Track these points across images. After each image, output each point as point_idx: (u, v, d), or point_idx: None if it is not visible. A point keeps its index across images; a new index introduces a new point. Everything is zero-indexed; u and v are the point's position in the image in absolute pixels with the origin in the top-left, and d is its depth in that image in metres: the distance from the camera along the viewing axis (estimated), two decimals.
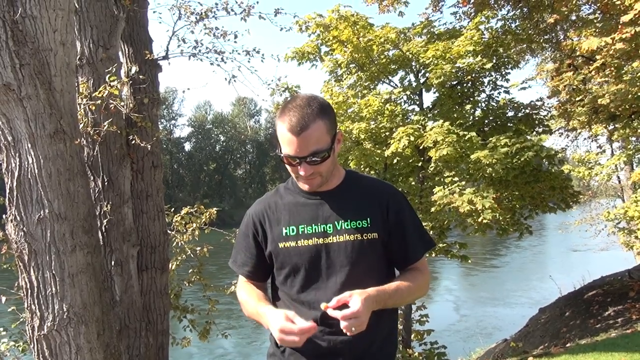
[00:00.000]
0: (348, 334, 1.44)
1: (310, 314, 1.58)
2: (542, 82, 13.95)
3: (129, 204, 3.91)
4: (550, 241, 32.10)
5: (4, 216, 2.87)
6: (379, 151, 8.59)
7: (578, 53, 8.52)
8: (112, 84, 3.41)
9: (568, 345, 6.64)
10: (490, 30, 8.97)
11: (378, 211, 1.65)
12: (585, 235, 16.83)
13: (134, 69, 4.10)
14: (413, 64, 9.22)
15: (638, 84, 6.93)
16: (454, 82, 9.07)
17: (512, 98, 9.22)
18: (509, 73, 9.17)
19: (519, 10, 9.64)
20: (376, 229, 1.63)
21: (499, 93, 9.22)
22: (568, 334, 7.65)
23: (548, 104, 10.52)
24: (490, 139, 7.79)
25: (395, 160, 8.48)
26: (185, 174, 62.72)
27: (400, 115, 9.04)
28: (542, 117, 9.16)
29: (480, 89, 9.27)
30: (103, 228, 3.73)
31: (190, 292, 6.28)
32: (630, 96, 7.02)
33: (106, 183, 3.77)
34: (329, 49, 9.51)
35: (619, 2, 6.78)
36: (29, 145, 2.70)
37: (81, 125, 3.55)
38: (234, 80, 4.80)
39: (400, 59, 9.15)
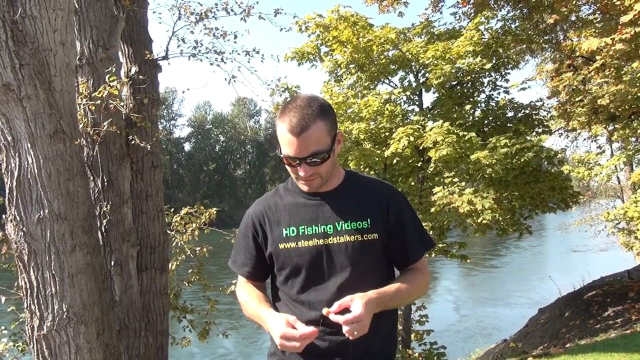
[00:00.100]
0: (350, 338, 1.44)
1: (311, 314, 1.58)
2: (542, 83, 13.97)
3: (129, 204, 3.91)
4: (550, 242, 32.11)
5: (3, 216, 2.87)
6: (378, 151, 8.59)
7: (578, 53, 8.52)
8: (111, 84, 3.41)
9: (567, 345, 6.64)
10: (490, 30, 8.97)
11: (378, 211, 1.65)
12: (585, 236, 16.83)
13: (134, 69, 4.11)
14: (413, 64, 9.22)
15: (638, 84, 6.93)
16: (454, 83, 9.07)
17: (512, 98, 9.25)
18: (509, 73, 9.19)
19: (519, 11, 9.65)
20: (376, 230, 1.63)
21: (498, 93, 9.24)
22: (567, 335, 7.65)
23: (548, 104, 10.53)
24: (490, 139, 7.79)
25: (395, 161, 8.48)
26: (184, 174, 62.71)
27: (400, 116, 9.04)
28: (541, 117, 9.17)
29: (480, 90, 9.28)
30: (103, 228, 3.73)
31: (190, 292, 6.29)
32: (629, 97, 7.03)
33: (106, 183, 3.77)
34: (329, 49, 9.51)
35: (618, 3, 6.79)
36: (29, 145, 2.70)
37: (81, 126, 3.55)
38: (234, 81, 4.81)
39: (400, 59, 9.15)
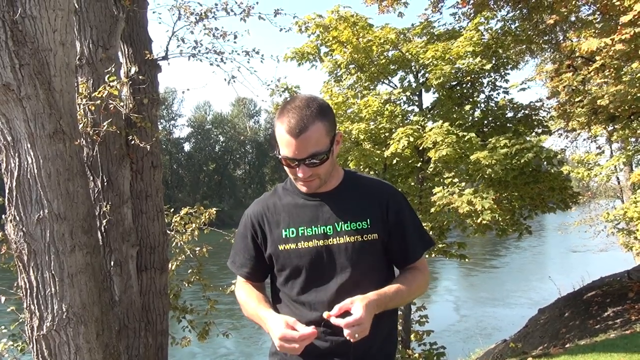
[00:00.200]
0: (352, 340, 1.44)
1: (312, 315, 1.58)
2: (542, 83, 13.97)
3: (129, 204, 3.91)
4: (550, 242, 32.11)
5: (3, 216, 2.87)
6: (378, 152, 8.59)
7: (577, 54, 8.52)
8: (111, 84, 3.41)
9: (567, 345, 6.64)
10: (489, 31, 8.97)
11: (378, 212, 1.65)
12: (585, 236, 16.83)
13: (134, 69, 4.11)
14: (412, 64, 9.22)
15: (637, 84, 6.93)
16: (454, 83, 9.07)
17: (512, 99, 9.25)
18: (508, 74, 9.19)
19: (519, 11, 9.65)
20: (376, 230, 1.63)
21: (498, 94, 9.23)
22: (567, 335, 7.65)
23: (547, 104, 10.53)
24: (490, 139, 7.79)
25: (394, 161, 8.48)
26: (184, 175, 62.73)
27: (400, 116, 9.04)
28: (541, 118, 9.16)
29: (480, 90, 9.28)
30: (102, 228, 3.73)
31: (190, 292, 6.29)
32: (629, 97, 7.03)
33: (105, 183, 3.77)
34: (329, 50, 9.51)
35: (618, 3, 6.80)
36: (29, 146, 2.70)
37: (81, 126, 3.55)
38: (234, 81, 4.81)
39: (400, 59, 9.15)
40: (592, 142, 12.98)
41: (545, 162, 8.08)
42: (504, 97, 9.20)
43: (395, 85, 9.67)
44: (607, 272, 11.30)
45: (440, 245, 8.78)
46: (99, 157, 3.75)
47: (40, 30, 2.72)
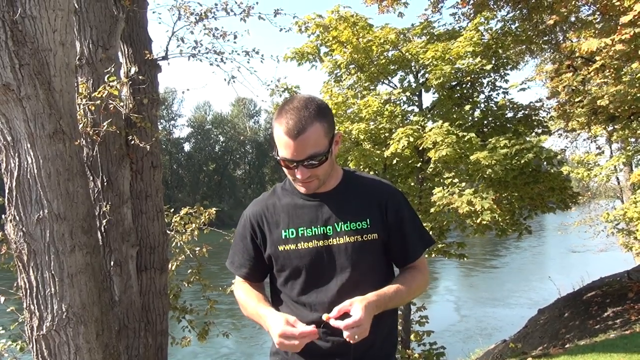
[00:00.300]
0: (351, 342, 1.44)
1: (312, 316, 1.58)
2: (542, 83, 13.97)
3: (128, 204, 3.91)
4: (550, 242, 32.11)
5: (3, 216, 2.87)
6: (378, 152, 8.59)
7: (577, 54, 8.51)
8: (111, 84, 3.41)
9: (567, 346, 6.65)
10: (489, 31, 8.97)
11: (377, 211, 1.64)
12: (585, 236, 16.83)
13: (134, 69, 4.11)
14: (412, 64, 9.22)
15: (637, 85, 6.94)
16: (454, 83, 9.07)
17: (512, 99, 9.25)
18: (508, 74, 9.19)
19: (518, 12, 9.65)
20: (376, 230, 1.63)
21: (497, 94, 9.24)
22: (567, 335, 7.66)
23: (547, 105, 10.53)
24: (490, 140, 7.79)
25: (394, 161, 8.48)
26: (184, 175, 62.73)
27: (400, 116, 9.04)
28: (541, 118, 9.17)
29: (480, 90, 9.28)
30: (102, 228, 3.73)
31: (191, 292, 6.29)
32: (629, 97, 7.03)
33: (105, 183, 3.77)
34: (329, 50, 9.51)
35: (618, 3, 6.80)
36: (28, 146, 2.70)
37: (80, 126, 3.56)
38: (234, 81, 4.82)
39: (400, 59, 9.15)
40: (592, 142, 12.98)
41: (545, 163, 8.08)
42: (504, 97, 9.21)
43: (395, 86, 9.67)
44: (607, 272, 11.30)
45: (440, 246, 8.78)
46: (99, 157, 3.75)
47: (40, 30, 2.72)
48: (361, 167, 8.54)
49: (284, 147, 1.51)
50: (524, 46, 10.18)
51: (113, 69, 3.55)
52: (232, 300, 1.81)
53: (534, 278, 19.73)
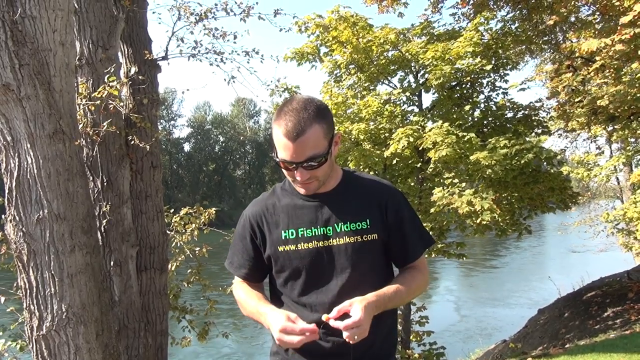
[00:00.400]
0: (351, 342, 1.44)
1: (313, 317, 1.58)
2: (542, 83, 13.96)
3: (128, 204, 3.92)
4: (550, 242, 32.12)
5: (3, 216, 2.87)
6: (378, 152, 8.59)
7: (577, 54, 8.52)
8: (111, 84, 3.41)
9: (567, 346, 6.65)
10: (489, 31, 8.97)
11: (377, 211, 1.64)
12: (585, 237, 16.83)
13: (134, 69, 4.11)
14: (412, 64, 9.22)
15: (637, 85, 6.94)
16: (453, 83, 9.07)
17: (511, 99, 9.25)
18: (508, 74, 9.19)
19: (518, 12, 9.65)
20: (376, 230, 1.63)
21: (497, 94, 9.24)
22: (567, 335, 7.66)
23: (547, 105, 10.54)
24: (490, 140, 7.79)
25: (394, 161, 8.49)
26: (184, 175, 62.73)
27: (400, 116, 9.05)
28: (541, 118, 9.17)
29: (479, 90, 9.28)
30: (102, 228, 3.73)
31: (191, 292, 6.29)
32: (629, 97, 7.03)
33: (105, 183, 3.77)
34: (329, 50, 9.51)
35: (618, 4, 6.81)
36: (28, 146, 2.70)
37: (80, 126, 3.56)
38: (233, 81, 4.82)
39: (400, 59, 9.15)
40: (591, 142, 12.98)
41: (545, 163, 8.09)
42: (504, 97, 9.21)
43: (395, 86, 9.68)
44: (607, 272, 11.30)
45: (440, 246, 8.78)
46: (98, 157, 3.75)
47: (40, 30, 2.72)
48: (361, 167, 8.55)
49: (283, 149, 1.51)
50: (524, 46, 10.18)
51: (113, 69, 3.55)
52: (232, 300, 1.81)
53: (534, 278, 19.73)
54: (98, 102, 3.47)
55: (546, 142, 8.68)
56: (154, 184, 4.17)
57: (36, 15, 2.70)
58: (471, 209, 7.26)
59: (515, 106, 9.08)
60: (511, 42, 8.99)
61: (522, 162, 7.36)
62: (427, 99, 9.84)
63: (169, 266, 4.82)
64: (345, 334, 1.43)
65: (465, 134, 7.73)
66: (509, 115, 9.07)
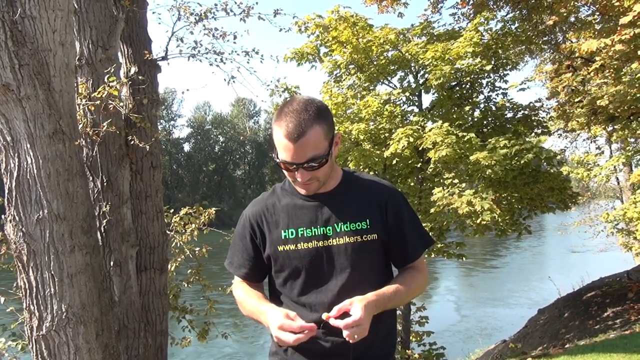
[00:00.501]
0: (351, 341, 1.44)
1: (312, 316, 1.58)
2: (541, 84, 13.98)
3: (128, 204, 3.92)
4: (550, 242, 32.12)
5: (3, 216, 2.87)
6: (378, 152, 8.60)
7: (577, 54, 8.52)
8: (111, 84, 3.41)
9: (567, 346, 6.65)
10: (489, 31, 8.98)
11: (377, 212, 1.65)
12: (585, 237, 16.83)
13: (133, 69, 4.11)
14: (412, 65, 9.22)
15: (637, 85, 6.94)
16: (453, 83, 9.08)
17: (511, 99, 9.25)
18: (508, 74, 9.20)
19: (518, 12, 9.66)
20: (375, 230, 1.63)
21: (497, 95, 9.24)
22: (567, 335, 7.66)
23: (547, 105, 10.54)
24: (490, 140, 7.79)
25: (394, 161, 8.48)
26: (184, 175, 62.73)
27: (400, 116, 9.04)
28: (541, 118, 9.17)
29: (479, 90, 9.29)
30: (102, 228, 3.73)
31: (192, 292, 6.29)
32: (629, 97, 7.04)
33: (105, 183, 3.77)
34: (328, 50, 9.51)
35: (617, 4, 6.81)
36: (28, 146, 2.70)
37: (80, 126, 3.56)
38: (233, 81, 4.82)
39: (400, 59, 9.15)
40: (591, 142, 12.98)
41: (544, 163, 8.09)
42: (504, 97, 9.21)
43: (395, 86, 9.68)
44: (607, 272, 11.30)
45: (439, 246, 8.78)
46: (98, 157, 3.75)
47: (40, 30, 2.72)
48: (361, 167, 8.55)
49: (283, 150, 1.51)
50: (524, 46, 10.18)
51: (113, 69, 3.55)
52: (232, 300, 1.81)
53: (534, 278, 19.74)
54: (98, 102, 3.47)
55: (546, 142, 8.69)
56: (153, 184, 4.17)
57: (36, 15, 2.70)
58: (471, 209, 7.26)
59: (515, 106, 9.08)
60: (511, 42, 8.99)
61: (522, 162, 7.36)
62: (427, 99, 9.82)
63: (169, 266, 4.82)
64: (345, 333, 1.43)
65: (465, 134, 7.73)
66: (509, 115, 9.08)
